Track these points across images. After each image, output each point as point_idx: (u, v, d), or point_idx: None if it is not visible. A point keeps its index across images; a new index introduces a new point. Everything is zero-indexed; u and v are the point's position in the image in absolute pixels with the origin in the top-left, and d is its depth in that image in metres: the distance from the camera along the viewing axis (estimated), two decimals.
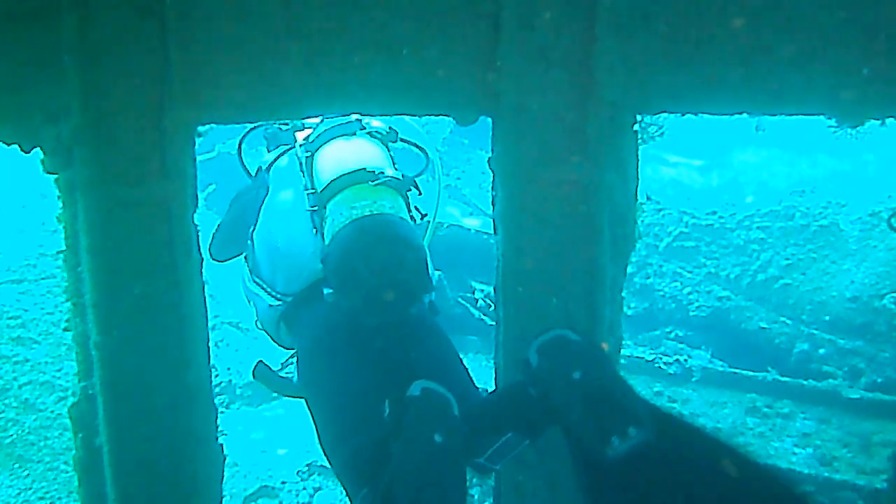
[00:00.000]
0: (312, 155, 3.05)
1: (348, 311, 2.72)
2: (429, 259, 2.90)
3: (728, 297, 5.92)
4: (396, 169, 3.01)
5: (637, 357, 5.30)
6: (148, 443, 2.45)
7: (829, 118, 2.32)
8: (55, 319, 4.91)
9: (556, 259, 2.37)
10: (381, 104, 2.39)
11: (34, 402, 4.47)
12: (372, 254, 2.66)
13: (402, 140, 3.24)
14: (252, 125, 3.28)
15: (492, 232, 2.51)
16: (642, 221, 2.99)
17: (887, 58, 2.18)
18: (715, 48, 2.24)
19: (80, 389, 2.60)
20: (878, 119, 2.30)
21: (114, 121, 2.24)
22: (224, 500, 2.67)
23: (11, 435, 4.29)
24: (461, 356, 2.89)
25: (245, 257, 3.29)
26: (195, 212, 2.39)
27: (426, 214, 3.15)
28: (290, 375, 3.04)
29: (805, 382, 5.00)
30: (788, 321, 5.68)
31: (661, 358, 5.32)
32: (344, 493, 2.57)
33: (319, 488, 4.45)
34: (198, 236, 2.43)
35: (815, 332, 5.56)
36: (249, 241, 3.21)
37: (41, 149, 2.37)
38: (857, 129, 2.37)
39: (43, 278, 5.22)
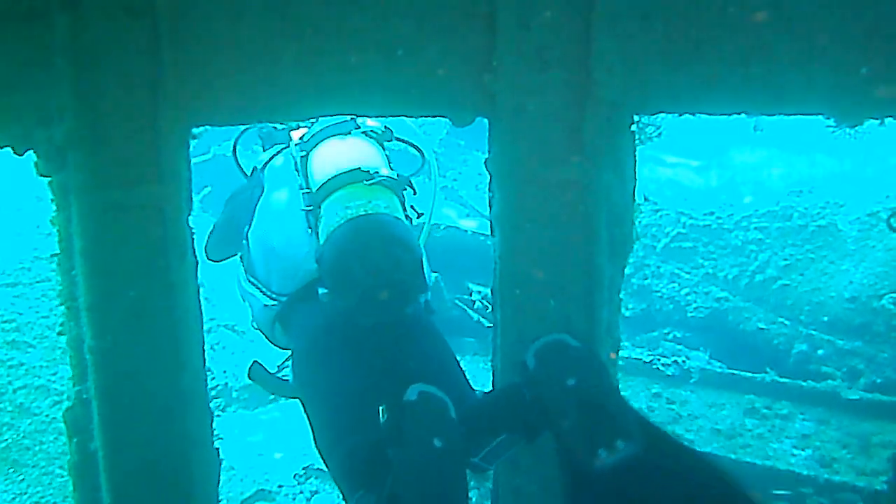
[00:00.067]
0: (307, 154, 3.04)
1: (343, 311, 2.71)
2: (424, 259, 2.88)
3: (726, 298, 5.91)
4: (392, 168, 2.99)
5: (635, 358, 5.29)
6: (143, 447, 2.43)
7: (829, 118, 2.31)
8: (50, 323, 4.88)
9: (554, 260, 2.36)
10: (377, 105, 2.38)
11: (29, 407, 4.44)
12: (367, 254, 2.66)
13: (397, 139, 3.23)
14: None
15: (489, 233, 2.50)
16: (640, 222, 2.98)
17: (887, 58, 2.17)
18: (714, 48, 2.23)
19: (75, 393, 2.58)
20: (877, 119, 2.29)
21: (107, 123, 2.22)
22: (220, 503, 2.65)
23: (6, 439, 4.27)
24: (458, 358, 2.88)
25: (240, 257, 3.28)
26: (190, 214, 2.38)
27: (423, 213, 3.14)
28: (285, 377, 3.03)
29: (804, 383, 4.99)
30: (787, 322, 5.67)
31: (659, 359, 5.31)
32: (341, 496, 2.55)
33: (316, 492, 4.43)
34: (192, 239, 2.41)
35: (813, 332, 5.54)
36: (245, 241, 3.20)
37: (34, 152, 2.35)
38: (856, 128, 2.36)
39: (38, 282, 5.19)
